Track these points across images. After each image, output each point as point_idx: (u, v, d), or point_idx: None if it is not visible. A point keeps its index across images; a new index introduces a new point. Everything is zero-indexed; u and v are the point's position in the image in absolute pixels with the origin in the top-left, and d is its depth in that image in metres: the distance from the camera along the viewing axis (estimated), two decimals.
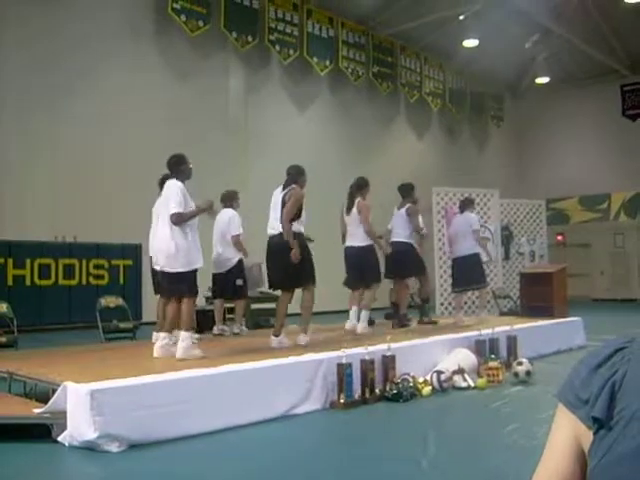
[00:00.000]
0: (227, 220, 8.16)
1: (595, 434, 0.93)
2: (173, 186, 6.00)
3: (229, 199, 8.46)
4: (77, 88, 13.12)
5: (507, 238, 15.10)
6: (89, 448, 4.18)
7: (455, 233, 9.76)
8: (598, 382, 0.96)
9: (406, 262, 8.69)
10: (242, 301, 8.44)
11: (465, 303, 13.62)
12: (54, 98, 12.82)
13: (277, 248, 6.68)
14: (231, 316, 8.97)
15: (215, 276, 8.32)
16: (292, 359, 5.62)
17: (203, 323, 8.93)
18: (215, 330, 8.26)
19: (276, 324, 6.88)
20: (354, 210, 8.04)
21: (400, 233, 8.80)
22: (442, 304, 13.65)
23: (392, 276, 9.01)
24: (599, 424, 0.92)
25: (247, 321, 9.52)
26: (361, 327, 7.98)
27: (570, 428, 0.99)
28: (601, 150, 23.52)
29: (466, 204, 9.90)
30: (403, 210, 8.92)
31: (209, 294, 10.23)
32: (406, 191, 9.12)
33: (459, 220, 9.80)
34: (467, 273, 9.50)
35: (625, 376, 0.93)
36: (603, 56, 21.41)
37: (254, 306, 10.79)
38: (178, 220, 5.84)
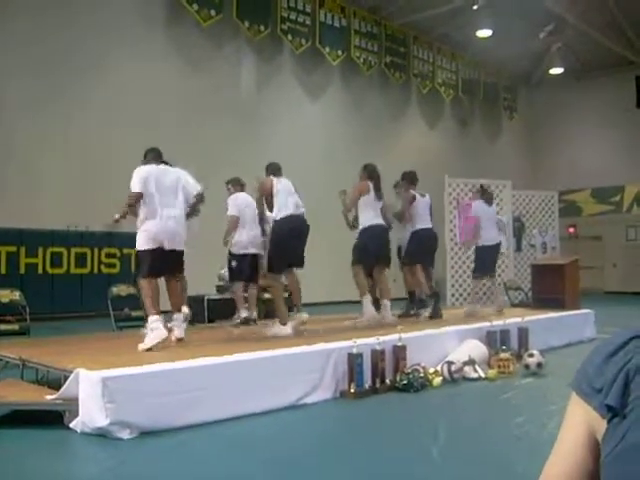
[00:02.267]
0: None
1: (609, 422, 0.93)
2: (183, 171, 6.42)
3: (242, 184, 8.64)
4: (90, 77, 13.16)
5: (519, 229, 15.05)
6: (101, 435, 4.21)
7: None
8: (612, 370, 0.95)
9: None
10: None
11: (469, 294, 13.62)
12: (66, 86, 12.86)
13: (306, 226, 7.10)
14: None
15: (246, 257, 8.32)
16: (303, 348, 5.62)
17: (224, 311, 8.97)
18: (243, 315, 8.26)
19: (284, 312, 6.95)
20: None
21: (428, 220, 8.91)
22: (453, 295, 13.62)
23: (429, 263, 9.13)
24: (613, 412, 0.92)
25: (259, 310, 9.52)
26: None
27: (584, 417, 0.99)
28: (615, 142, 23.35)
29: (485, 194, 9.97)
30: (428, 197, 8.96)
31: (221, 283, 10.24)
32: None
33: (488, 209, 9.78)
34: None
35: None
36: (618, 47, 21.21)
37: (267, 295, 10.79)
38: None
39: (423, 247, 8.75)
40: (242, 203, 8.29)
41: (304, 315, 7.11)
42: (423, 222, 8.77)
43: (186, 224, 6.32)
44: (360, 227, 7.93)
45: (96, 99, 13.22)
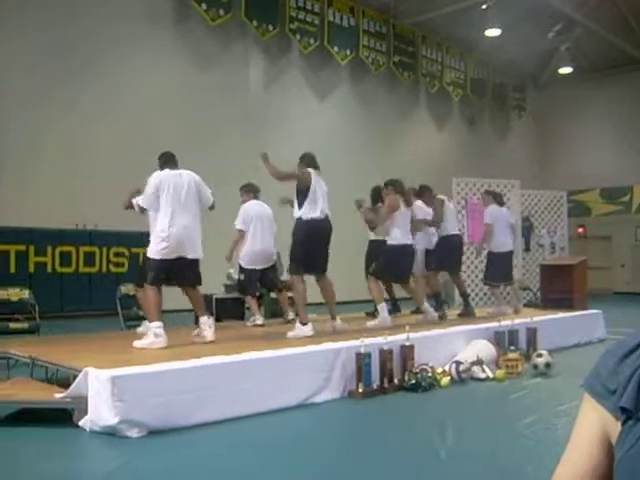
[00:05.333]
0: (271, 212, 8.20)
1: (623, 424, 0.92)
2: (197, 177, 6.37)
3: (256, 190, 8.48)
4: (95, 74, 13.16)
5: (528, 229, 15.00)
6: (109, 433, 4.22)
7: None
8: (626, 372, 0.94)
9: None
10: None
11: (477, 294, 13.58)
12: (73, 83, 12.89)
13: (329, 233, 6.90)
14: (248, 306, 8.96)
15: (262, 272, 8.16)
16: (311, 348, 5.63)
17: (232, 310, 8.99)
18: (259, 320, 8.16)
19: (303, 312, 6.85)
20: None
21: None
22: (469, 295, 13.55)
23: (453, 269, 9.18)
24: (627, 414, 0.91)
25: (265, 310, 9.52)
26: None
27: (597, 418, 0.98)
28: (624, 142, 23.22)
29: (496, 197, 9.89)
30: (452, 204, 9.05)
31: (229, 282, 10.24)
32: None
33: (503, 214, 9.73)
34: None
35: None
36: (627, 46, 21.10)
37: (272, 295, 10.80)
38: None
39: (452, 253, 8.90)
40: (252, 214, 8.05)
41: (338, 322, 7.04)
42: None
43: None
44: (389, 242, 7.85)
45: (103, 96, 13.23)
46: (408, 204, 7.86)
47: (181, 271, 6.14)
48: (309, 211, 6.66)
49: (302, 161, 6.95)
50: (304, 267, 6.80)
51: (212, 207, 6.51)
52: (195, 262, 6.23)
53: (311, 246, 6.70)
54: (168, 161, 6.34)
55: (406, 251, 7.81)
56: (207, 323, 6.20)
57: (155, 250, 6.05)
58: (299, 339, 6.29)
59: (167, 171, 6.20)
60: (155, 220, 6.15)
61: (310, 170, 6.78)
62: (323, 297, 7.12)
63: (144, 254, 6.92)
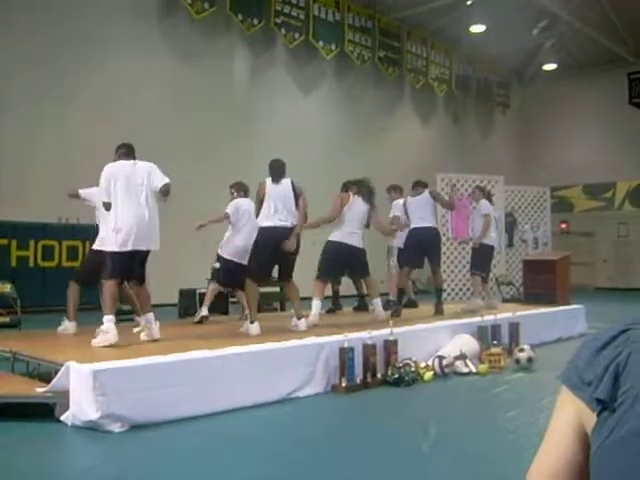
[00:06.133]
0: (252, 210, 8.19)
1: (598, 416, 0.93)
2: (153, 165, 6.18)
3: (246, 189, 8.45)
4: (81, 70, 13.08)
5: (511, 225, 15.07)
6: (91, 428, 4.20)
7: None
8: (602, 364, 0.95)
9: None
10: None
11: (460, 289, 13.64)
12: (57, 80, 12.78)
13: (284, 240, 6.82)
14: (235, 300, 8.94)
15: (238, 266, 7.95)
16: (295, 342, 5.64)
17: (216, 305, 8.92)
18: (203, 313, 8.07)
19: (299, 308, 6.89)
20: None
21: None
22: (445, 290, 13.61)
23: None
24: (602, 406, 0.92)
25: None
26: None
27: (573, 410, 0.99)
28: (607, 138, 23.41)
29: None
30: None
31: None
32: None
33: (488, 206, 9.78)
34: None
35: (629, 358, 0.93)
36: (610, 43, 21.23)
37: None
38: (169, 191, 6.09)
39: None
40: (243, 210, 8.02)
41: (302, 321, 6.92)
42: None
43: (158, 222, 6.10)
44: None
45: (87, 93, 13.14)
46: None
47: (134, 265, 6.02)
48: (263, 220, 6.77)
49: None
50: (261, 275, 6.87)
51: (165, 192, 6.06)
52: (148, 254, 6.09)
53: (266, 253, 6.74)
54: (126, 153, 6.17)
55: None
56: (153, 320, 6.05)
57: (111, 242, 5.92)
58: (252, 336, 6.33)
59: (120, 162, 6.07)
60: (111, 213, 5.98)
61: (265, 180, 6.87)
62: (290, 299, 7.22)
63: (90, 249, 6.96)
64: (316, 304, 7.38)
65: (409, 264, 8.79)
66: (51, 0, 12.82)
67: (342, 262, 7.75)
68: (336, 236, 7.64)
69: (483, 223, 9.57)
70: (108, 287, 5.94)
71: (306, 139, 17.05)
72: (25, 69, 12.38)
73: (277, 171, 6.91)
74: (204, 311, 8.06)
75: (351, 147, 18.09)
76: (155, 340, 5.91)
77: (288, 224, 6.73)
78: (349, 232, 7.62)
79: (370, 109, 19.46)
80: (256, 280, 6.80)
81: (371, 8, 18.96)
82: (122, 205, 5.88)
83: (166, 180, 6.06)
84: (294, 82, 17.62)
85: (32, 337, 6.60)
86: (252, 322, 6.57)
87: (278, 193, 6.78)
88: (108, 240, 6.03)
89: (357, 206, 7.67)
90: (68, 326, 6.92)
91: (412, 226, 8.66)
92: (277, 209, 6.74)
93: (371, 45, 19.06)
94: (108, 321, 5.70)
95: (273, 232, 6.70)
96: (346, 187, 8.10)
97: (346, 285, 9.45)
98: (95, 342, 5.64)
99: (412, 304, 9.59)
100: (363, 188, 7.79)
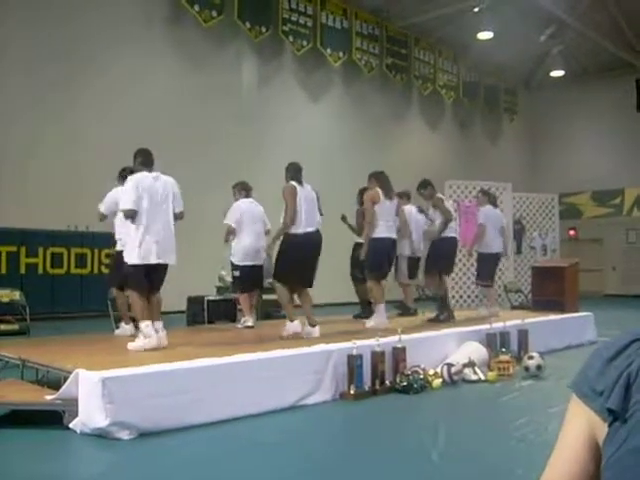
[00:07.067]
0: (262, 211, 8.19)
1: (610, 426, 0.92)
2: (175, 183, 6.23)
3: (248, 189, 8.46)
4: (90, 76, 13.13)
5: (519, 232, 15.05)
6: (100, 435, 4.20)
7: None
8: (613, 374, 0.95)
9: None
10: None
11: (469, 296, 13.62)
12: (65, 84, 12.83)
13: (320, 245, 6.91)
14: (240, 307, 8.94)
15: (252, 268, 8.08)
16: (303, 349, 5.63)
17: (224, 312, 8.94)
18: (250, 322, 8.07)
19: (312, 315, 6.89)
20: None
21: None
22: (453, 297, 13.60)
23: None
24: (614, 416, 0.92)
25: (257, 312, 9.49)
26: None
27: (584, 420, 0.98)
28: (615, 145, 23.35)
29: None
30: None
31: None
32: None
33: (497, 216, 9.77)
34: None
35: None
36: (619, 50, 21.21)
37: (265, 297, 10.79)
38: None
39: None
40: (242, 211, 8.00)
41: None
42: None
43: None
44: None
45: (95, 98, 13.18)
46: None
47: (155, 277, 6.08)
48: (296, 226, 6.71)
49: (286, 172, 6.96)
50: (290, 280, 6.82)
51: (180, 218, 6.23)
52: (166, 268, 6.15)
53: (298, 259, 6.72)
54: (143, 162, 6.15)
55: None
56: (161, 328, 6.07)
57: (135, 255, 5.93)
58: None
59: (144, 174, 6.03)
60: (130, 225, 6.00)
61: (293, 184, 6.78)
62: (303, 307, 7.08)
63: (115, 255, 6.99)
64: (381, 308, 7.59)
65: (440, 269, 8.84)
66: (55, 4, 12.87)
67: (391, 256, 7.92)
68: (381, 232, 7.67)
69: (476, 232, 9.59)
70: (134, 299, 6.01)
71: (314, 145, 17.07)
72: (27, 74, 12.41)
73: (300, 173, 6.92)
74: (250, 322, 8.06)
75: (358, 154, 18.08)
76: (163, 347, 5.91)
77: (318, 228, 6.82)
78: (388, 226, 7.74)
79: (378, 116, 19.47)
80: (286, 284, 6.79)
81: (378, 15, 19.00)
82: (147, 219, 5.90)
83: (182, 207, 6.21)
84: (302, 89, 17.66)
85: (41, 344, 6.61)
86: (292, 321, 6.74)
87: (306, 197, 6.80)
88: (129, 251, 6.03)
89: (384, 201, 7.76)
90: (126, 328, 7.21)
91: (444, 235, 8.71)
92: (308, 214, 6.76)
93: (378, 52, 19.10)
94: (146, 326, 5.81)
95: (308, 237, 6.73)
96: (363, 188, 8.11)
97: (347, 292, 9.42)
98: (134, 346, 5.72)
99: (409, 311, 9.55)
100: (384, 181, 7.94)
